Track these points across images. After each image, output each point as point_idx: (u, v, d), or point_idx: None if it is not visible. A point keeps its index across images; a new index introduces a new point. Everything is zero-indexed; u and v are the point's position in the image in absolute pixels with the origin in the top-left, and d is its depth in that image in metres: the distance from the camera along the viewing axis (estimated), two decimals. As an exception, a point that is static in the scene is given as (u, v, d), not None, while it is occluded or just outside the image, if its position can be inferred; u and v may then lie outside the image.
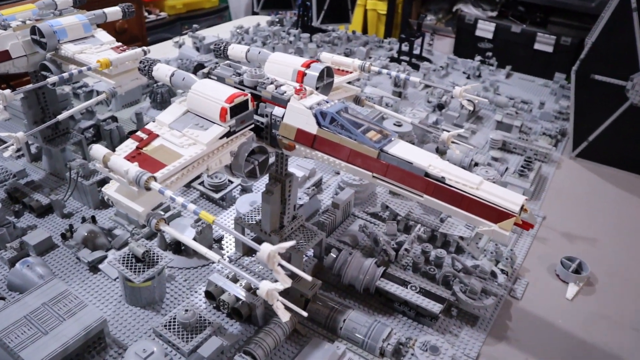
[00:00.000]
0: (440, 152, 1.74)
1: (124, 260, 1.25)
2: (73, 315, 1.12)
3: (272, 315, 1.24)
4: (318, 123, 1.04)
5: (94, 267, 1.38)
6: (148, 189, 0.90)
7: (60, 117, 1.30)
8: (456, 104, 2.28)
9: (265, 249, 0.76)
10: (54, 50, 1.50)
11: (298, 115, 1.06)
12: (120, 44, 1.58)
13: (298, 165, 1.73)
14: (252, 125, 1.11)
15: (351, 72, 1.39)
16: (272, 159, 1.22)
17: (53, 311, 1.12)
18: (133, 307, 1.28)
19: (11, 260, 1.34)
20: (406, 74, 2.41)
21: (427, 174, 0.96)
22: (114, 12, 1.70)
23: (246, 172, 1.08)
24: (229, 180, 1.67)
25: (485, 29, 3.83)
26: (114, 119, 2.03)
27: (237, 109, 1.05)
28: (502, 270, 1.41)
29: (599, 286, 1.48)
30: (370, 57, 2.85)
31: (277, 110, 1.10)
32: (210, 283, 1.26)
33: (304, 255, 1.40)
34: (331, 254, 1.36)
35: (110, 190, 0.98)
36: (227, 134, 1.05)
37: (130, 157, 0.99)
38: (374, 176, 1.01)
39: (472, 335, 1.27)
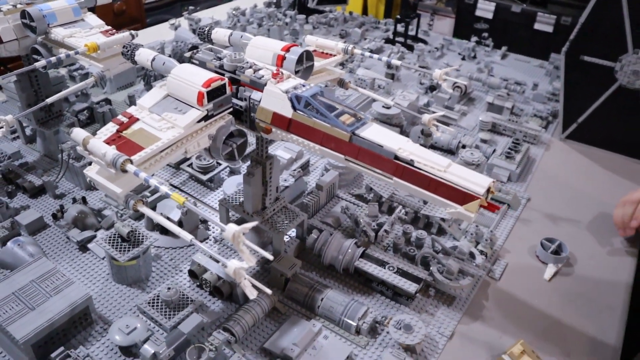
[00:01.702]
0: (426, 134, 1.76)
1: (110, 240, 1.29)
2: (60, 292, 1.17)
3: (253, 294, 1.28)
4: (293, 107, 1.07)
5: (83, 246, 1.42)
6: (124, 171, 0.93)
7: (49, 100, 1.33)
8: (448, 85, 2.28)
9: (230, 229, 0.80)
10: (44, 34, 1.52)
11: (274, 99, 1.09)
12: (109, 27, 1.59)
13: (286, 147, 1.75)
14: (231, 109, 1.13)
15: (335, 55, 1.41)
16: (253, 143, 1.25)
17: (40, 288, 1.17)
18: (119, 285, 1.32)
19: (2, 239, 1.38)
20: (397, 56, 2.43)
21: (396, 157, 0.98)
22: (103, -4, 1.72)
23: (224, 155, 1.12)
24: (217, 163, 1.71)
25: (486, 9, 3.80)
26: (108, 101, 2.06)
27: (215, 93, 1.07)
28: (481, 252, 1.44)
29: (577, 267, 1.51)
30: (365, 39, 2.85)
31: (256, 94, 1.13)
32: (193, 262, 1.30)
33: (287, 236, 1.44)
34: (312, 234, 1.40)
35: (91, 172, 1.01)
36: (205, 118, 1.07)
37: (111, 140, 1.03)
38: (346, 159, 1.04)
39: (448, 315, 1.31)
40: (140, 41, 1.41)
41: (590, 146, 2.08)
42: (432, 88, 2.30)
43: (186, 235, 0.90)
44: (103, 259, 1.39)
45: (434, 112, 1.81)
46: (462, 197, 0.94)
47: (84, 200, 1.53)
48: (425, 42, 2.90)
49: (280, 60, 1.19)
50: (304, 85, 1.11)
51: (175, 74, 1.10)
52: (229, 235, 0.80)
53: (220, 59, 1.19)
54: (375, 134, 1.02)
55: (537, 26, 3.66)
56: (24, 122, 1.86)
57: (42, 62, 1.34)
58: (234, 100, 1.15)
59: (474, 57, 2.77)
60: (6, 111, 2.05)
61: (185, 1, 4.25)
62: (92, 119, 2.00)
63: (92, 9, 1.96)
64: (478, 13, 3.84)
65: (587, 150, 2.07)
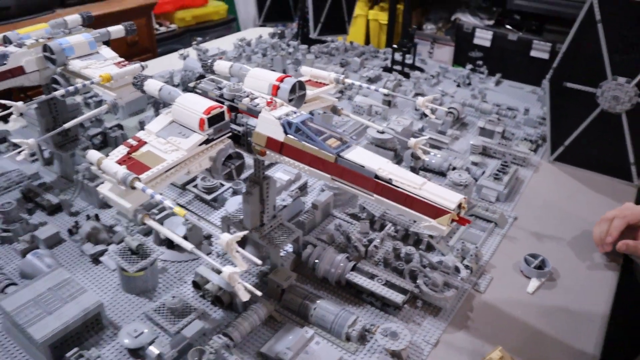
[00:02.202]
0: (416, 157, 1.87)
1: (121, 253, 1.41)
2: (74, 299, 1.28)
3: (251, 304, 1.39)
4: (285, 131, 1.19)
5: (95, 259, 1.54)
6: (133, 188, 1.05)
7: (66, 125, 1.46)
8: (442, 112, 2.40)
9: (224, 237, 0.91)
10: (63, 66, 1.67)
11: (268, 124, 1.21)
12: (122, 59, 1.73)
13: (285, 170, 1.87)
14: (230, 134, 1.26)
15: (327, 84, 1.54)
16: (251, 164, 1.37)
17: (57, 295, 1.28)
18: (128, 294, 1.43)
19: (23, 252, 1.51)
20: (394, 83, 2.55)
21: (376, 176, 1.10)
22: (117, 31, 1.86)
23: (224, 175, 1.24)
24: (221, 184, 1.83)
25: (483, 37, 3.95)
26: (120, 126, 2.20)
27: (215, 120, 1.20)
28: (466, 266, 1.53)
29: (560, 281, 1.59)
30: (364, 67, 2.99)
31: (252, 121, 1.25)
32: (196, 274, 1.41)
33: (283, 250, 1.54)
34: (307, 249, 1.50)
35: (104, 189, 1.14)
36: (206, 142, 1.20)
37: (122, 161, 1.15)
38: (332, 178, 1.15)
39: (433, 324, 1.40)
40: (151, 70, 1.55)
41: (578, 168, 2.18)
42: (426, 114, 2.42)
43: (187, 245, 1.01)
44: (114, 270, 1.50)
45: (423, 137, 1.92)
46: (434, 211, 1.05)
47: (96, 218, 1.65)
48: (422, 70, 3.03)
49: (275, 90, 1.31)
50: (295, 113, 1.23)
51: (179, 102, 1.22)
52: (223, 242, 0.91)
53: (220, 88, 1.32)
54: (358, 155, 1.14)
55: (533, 53, 3.79)
56: (42, 145, 2.00)
57: (61, 91, 1.48)
58: (233, 126, 1.28)
59: (469, 84, 2.90)
60: (26, 136, 2.20)
61: (194, 32, 4.45)
62: (105, 143, 2.13)
63: (107, 42, 2.12)
64: (476, 41, 3.98)
65: (575, 172, 2.17)
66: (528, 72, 3.60)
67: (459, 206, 1.06)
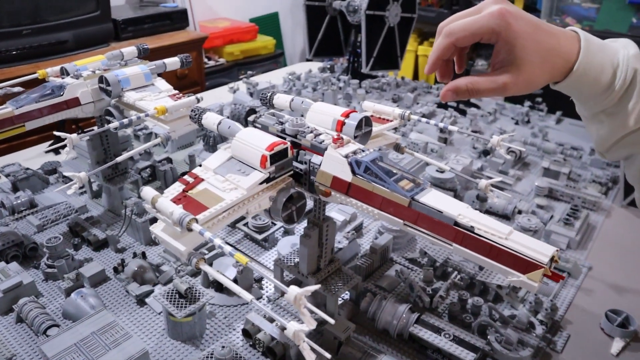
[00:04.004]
0: (481, 199, 1.74)
1: (168, 296, 1.32)
2: (118, 345, 1.20)
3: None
4: (353, 171, 1.09)
5: (141, 300, 1.46)
6: (190, 229, 0.97)
7: (119, 159, 1.41)
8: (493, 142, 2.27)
9: (292, 291, 0.81)
10: (118, 97, 1.64)
11: (334, 163, 1.12)
12: (176, 92, 1.70)
13: (339, 209, 1.77)
14: (291, 172, 1.17)
15: (391, 121, 1.45)
16: (310, 205, 1.28)
17: (100, 340, 1.20)
18: (174, 340, 1.34)
19: (67, 290, 1.44)
20: (450, 120, 2.45)
21: (456, 223, 0.98)
22: (173, 63, 1.84)
23: (284, 217, 1.14)
24: (272, 222, 1.74)
25: (537, 74, 3.80)
26: (169, 160, 2.16)
27: (277, 157, 1.11)
28: (541, 322, 1.38)
29: (648, 343, 1.42)
30: (417, 103, 2.90)
31: (315, 158, 1.17)
32: (247, 321, 1.31)
33: (340, 298, 1.43)
34: (366, 297, 1.39)
35: (157, 229, 1.06)
36: (267, 180, 1.11)
37: (177, 199, 1.08)
38: (405, 224, 1.04)
39: (508, 388, 1.25)
40: (200, 104, 1.50)
41: (655, 214, 2.00)
42: (486, 152, 2.30)
43: (247, 296, 0.91)
44: (159, 313, 1.42)
45: (489, 177, 1.80)
46: (524, 265, 0.92)
47: (143, 255, 1.58)
48: (477, 106, 2.92)
49: (340, 126, 1.23)
50: (363, 151, 1.14)
51: (240, 137, 1.15)
52: (291, 297, 0.81)
53: (282, 123, 1.25)
54: (434, 199, 1.03)
55: (591, 91, 3.62)
56: (92, 178, 1.97)
57: (115, 124, 1.43)
58: (295, 164, 1.19)
59: (528, 121, 2.76)
60: (76, 167, 2.18)
61: (242, 66, 4.47)
62: (154, 177, 2.09)
63: (161, 74, 2.10)
64: (530, 78, 3.84)
65: (651, 219, 1.99)
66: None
67: (552, 259, 0.93)
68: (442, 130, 2.40)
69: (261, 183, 1.11)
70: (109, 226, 1.78)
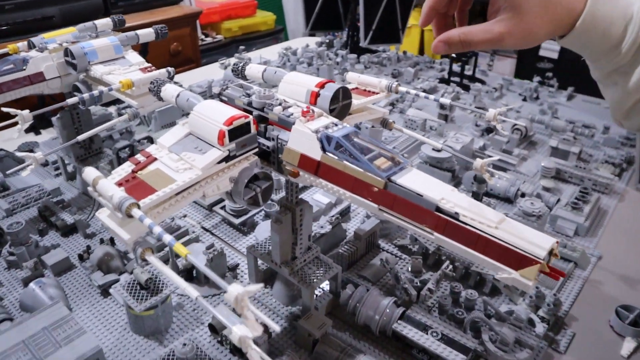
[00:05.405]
0: (479, 180, 1.59)
1: (128, 287, 1.20)
2: (70, 342, 1.08)
3: (277, 354, 1.15)
4: (323, 148, 0.95)
5: (105, 290, 1.35)
6: (130, 216, 0.84)
7: (80, 137, 1.29)
8: (506, 128, 2.11)
9: (233, 290, 0.68)
10: (85, 72, 1.51)
11: (302, 139, 0.98)
12: (149, 65, 1.56)
13: (324, 191, 1.63)
14: (257, 150, 1.03)
15: (377, 93, 1.30)
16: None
17: (51, 337, 1.09)
18: (137, 335, 1.22)
19: (25, 280, 1.33)
20: (452, 96, 2.28)
21: (438, 209, 0.84)
22: (146, 34, 1.71)
23: (247, 199, 1.01)
24: (252, 205, 1.61)
25: (550, 49, 3.61)
26: (150, 139, 2.03)
27: (237, 132, 0.97)
28: (542, 319, 1.24)
29: (662, 342, 1.27)
30: (418, 79, 2.73)
31: (284, 134, 1.03)
32: (214, 316, 1.19)
33: (320, 289, 1.30)
34: (347, 289, 1.26)
35: (103, 215, 0.93)
36: (227, 159, 0.98)
37: (124, 181, 0.95)
38: (380, 208, 0.90)
39: (502, 392, 1.11)
40: (190, 80, 1.37)
41: (672, 197, 1.84)
42: (489, 130, 2.14)
43: (192, 292, 0.79)
44: (123, 305, 1.30)
45: (490, 157, 1.65)
46: (517, 260, 0.78)
47: (111, 242, 1.46)
48: (483, 82, 2.75)
49: (314, 98, 1.08)
50: (336, 125, 1.00)
51: (197, 111, 1.01)
52: (231, 297, 0.68)
53: (249, 95, 1.11)
54: (414, 181, 0.89)
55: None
56: (65, 159, 1.85)
57: (74, 99, 1.30)
58: (261, 140, 1.05)
59: (537, 97, 2.59)
60: (54, 147, 2.06)
61: (241, 42, 4.30)
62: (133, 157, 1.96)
63: (145, 50, 1.97)
64: (542, 53, 3.64)
65: (669, 203, 1.83)
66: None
67: (550, 253, 0.79)
68: (442, 107, 2.24)
69: (220, 162, 0.97)
70: (79, 210, 1.66)
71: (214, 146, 0.98)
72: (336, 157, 0.94)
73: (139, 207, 0.85)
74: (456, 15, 1.11)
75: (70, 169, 1.90)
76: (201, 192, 0.97)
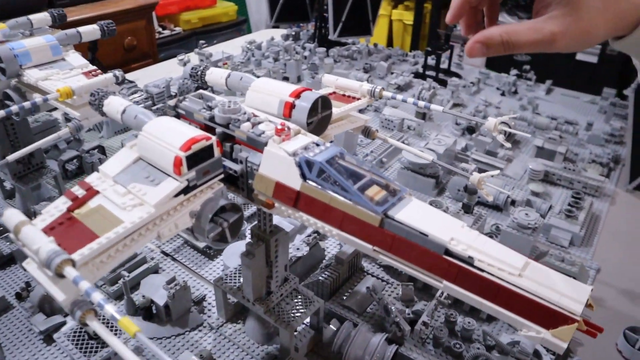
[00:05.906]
0: (470, 191, 1.46)
1: (74, 336, 1.01)
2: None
3: (253, 411, 0.99)
4: (303, 175, 0.79)
5: (48, 336, 1.15)
6: (61, 276, 0.66)
7: (9, 157, 1.10)
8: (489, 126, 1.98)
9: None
10: (17, 77, 1.29)
11: (277, 163, 0.81)
12: (94, 67, 1.36)
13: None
14: (222, 175, 0.86)
15: (359, 99, 1.14)
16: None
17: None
18: (85, 393, 1.04)
19: (-52, 329, 1.13)
20: (430, 93, 2.14)
21: (448, 252, 0.69)
22: (90, 32, 1.49)
23: (212, 237, 0.83)
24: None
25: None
26: (101, 149, 1.81)
27: (197, 157, 0.80)
28: (547, 350, 1.12)
29: (674, 366, 1.17)
30: (392, 73, 2.58)
31: (255, 156, 0.86)
32: (178, 366, 1.02)
33: (302, 323, 1.14)
34: (331, 325, 1.10)
35: (31, 267, 0.74)
36: (185, 190, 0.80)
37: (57, 224, 0.76)
38: (374, 250, 0.74)
39: None
40: (147, 78, 1.18)
41: (664, 198, 1.75)
42: (471, 130, 2.01)
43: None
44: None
45: (475, 160, 1.52)
46: (548, 316, 0.64)
47: (55, 275, 1.26)
48: (459, 76, 2.62)
49: (289, 109, 0.92)
50: (317, 145, 0.83)
51: (147, 132, 0.83)
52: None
53: (211, 108, 0.93)
54: (416, 215, 0.73)
55: (579, 57, 3.35)
56: (0, 175, 1.62)
57: (1, 112, 1.10)
58: (227, 163, 0.88)
59: (515, 92, 2.48)
60: None
61: (201, 35, 4.07)
62: (82, 170, 1.75)
63: (95, 47, 1.75)
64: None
65: (661, 204, 1.74)
66: (574, 78, 3.16)
67: (586, 306, 0.65)
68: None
69: (177, 194, 0.79)
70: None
71: (169, 175, 0.80)
72: (319, 187, 0.77)
73: (73, 264, 0.67)
74: (485, 11, 0.92)
75: (8, 185, 1.68)
76: (155, 232, 0.79)
